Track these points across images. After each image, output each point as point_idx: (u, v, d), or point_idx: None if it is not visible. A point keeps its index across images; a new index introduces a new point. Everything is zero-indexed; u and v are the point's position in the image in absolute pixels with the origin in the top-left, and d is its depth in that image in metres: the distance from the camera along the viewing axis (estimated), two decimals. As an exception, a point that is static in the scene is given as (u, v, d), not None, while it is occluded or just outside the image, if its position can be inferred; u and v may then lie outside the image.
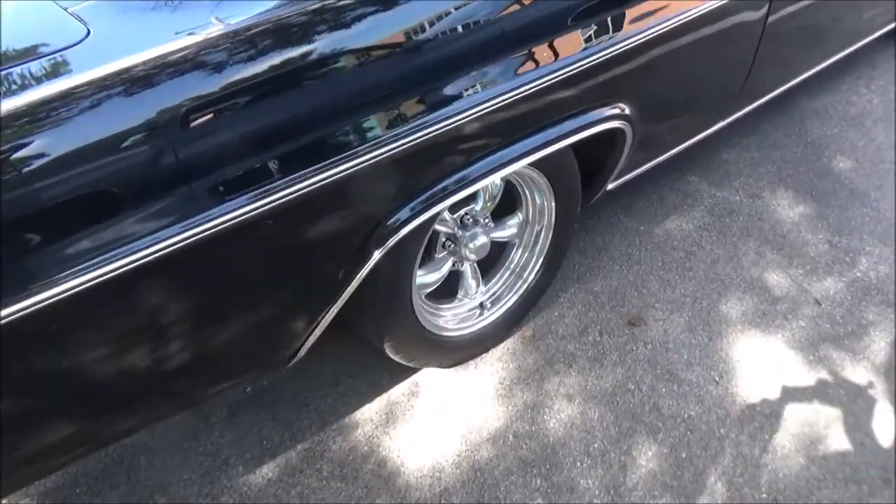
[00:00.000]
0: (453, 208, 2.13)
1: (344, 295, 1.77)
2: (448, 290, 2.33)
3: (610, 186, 2.45)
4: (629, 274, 2.67)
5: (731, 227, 2.86)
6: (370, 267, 1.76)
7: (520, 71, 1.81)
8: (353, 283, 1.76)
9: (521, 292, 2.38)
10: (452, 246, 2.19)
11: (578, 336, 2.46)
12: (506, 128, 1.86)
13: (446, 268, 2.22)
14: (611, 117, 2.09)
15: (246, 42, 1.33)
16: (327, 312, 1.78)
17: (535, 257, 2.37)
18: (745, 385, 2.30)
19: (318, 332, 1.82)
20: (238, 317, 1.63)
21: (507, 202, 2.33)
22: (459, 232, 2.17)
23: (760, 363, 2.36)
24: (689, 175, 3.10)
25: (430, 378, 2.35)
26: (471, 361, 2.39)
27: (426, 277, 2.20)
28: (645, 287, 2.62)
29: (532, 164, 2.04)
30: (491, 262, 2.38)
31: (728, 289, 2.61)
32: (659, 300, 2.58)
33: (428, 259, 2.21)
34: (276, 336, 1.80)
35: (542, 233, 2.34)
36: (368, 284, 1.84)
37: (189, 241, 1.25)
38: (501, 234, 2.32)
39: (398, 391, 2.32)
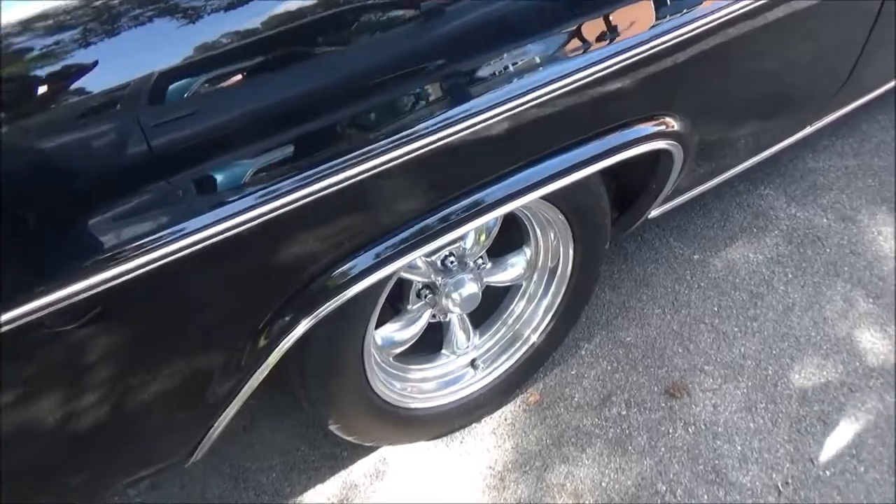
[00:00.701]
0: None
1: (252, 380, 1.27)
2: (432, 339, 1.80)
3: (653, 214, 1.86)
4: (674, 321, 2.08)
5: (814, 261, 2.22)
6: (292, 341, 1.25)
7: (525, 72, 1.25)
8: (264, 366, 1.26)
9: (522, 353, 1.83)
10: (430, 296, 1.65)
11: (598, 407, 1.90)
12: (509, 149, 1.31)
13: (423, 321, 1.69)
14: (653, 136, 1.49)
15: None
16: (230, 404, 1.29)
17: (542, 311, 1.81)
18: (821, 498, 1.71)
19: (221, 425, 1.33)
20: (113, 402, 1.16)
21: (512, 233, 1.76)
22: (440, 279, 1.62)
23: (843, 464, 1.76)
24: (763, 187, 2.45)
25: (402, 454, 1.84)
26: (457, 433, 1.87)
27: (395, 334, 1.67)
28: (693, 341, 2.03)
29: (544, 198, 1.48)
30: (489, 302, 1.84)
31: (804, 350, 2.00)
32: (710, 361, 1.98)
33: (397, 309, 1.69)
34: (164, 430, 1.32)
35: (555, 280, 1.78)
36: (293, 355, 1.34)
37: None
38: (499, 278, 1.77)
39: (360, 470, 1.83)
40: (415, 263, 1.55)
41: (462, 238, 1.61)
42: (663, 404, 1.90)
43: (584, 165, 1.42)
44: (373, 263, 1.27)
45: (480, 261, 1.69)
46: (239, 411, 1.32)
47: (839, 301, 2.11)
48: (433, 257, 1.60)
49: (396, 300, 1.68)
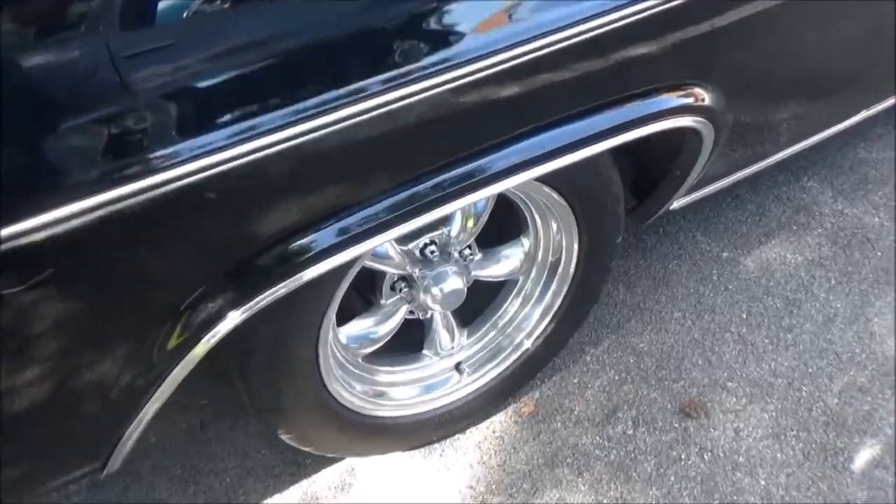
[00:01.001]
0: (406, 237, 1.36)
1: (168, 381, 1.05)
2: (412, 338, 1.57)
3: (676, 205, 1.59)
4: (695, 328, 1.82)
5: (862, 266, 1.94)
6: (219, 336, 1.03)
7: (526, 17, 1.02)
8: (182, 364, 1.04)
9: (515, 358, 1.59)
10: (406, 289, 1.41)
11: (601, 423, 1.66)
12: (502, 113, 1.08)
13: (398, 317, 1.46)
14: (679, 110, 1.23)
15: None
16: (142, 407, 1.07)
17: (539, 313, 1.56)
18: (857, 547, 1.45)
19: (136, 431, 1.12)
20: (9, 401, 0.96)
21: (508, 220, 1.52)
22: (417, 271, 1.39)
23: (884, 507, 1.50)
24: (807, 179, 2.16)
25: (373, 465, 1.62)
26: (437, 444, 1.64)
27: (365, 331, 1.44)
28: (716, 352, 1.77)
29: (543, 179, 1.24)
30: (480, 298, 1.60)
31: (846, 370, 1.72)
32: (734, 377, 1.72)
33: (369, 301, 1.46)
34: (67, 435, 1.11)
35: (556, 277, 1.53)
36: (231, 351, 1.14)
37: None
38: (490, 272, 1.52)
39: (324, 480, 1.61)
40: (384, 252, 1.31)
41: (445, 223, 1.37)
42: (677, 424, 1.65)
43: (592, 141, 1.17)
44: (333, 244, 1.04)
45: (468, 251, 1.45)
46: (191, 408, 1.11)
47: (889, 314, 1.83)
48: (410, 245, 1.36)
49: (368, 291, 1.45)
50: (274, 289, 1.03)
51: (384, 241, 1.10)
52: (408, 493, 1.57)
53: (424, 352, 1.57)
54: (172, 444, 1.71)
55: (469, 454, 1.63)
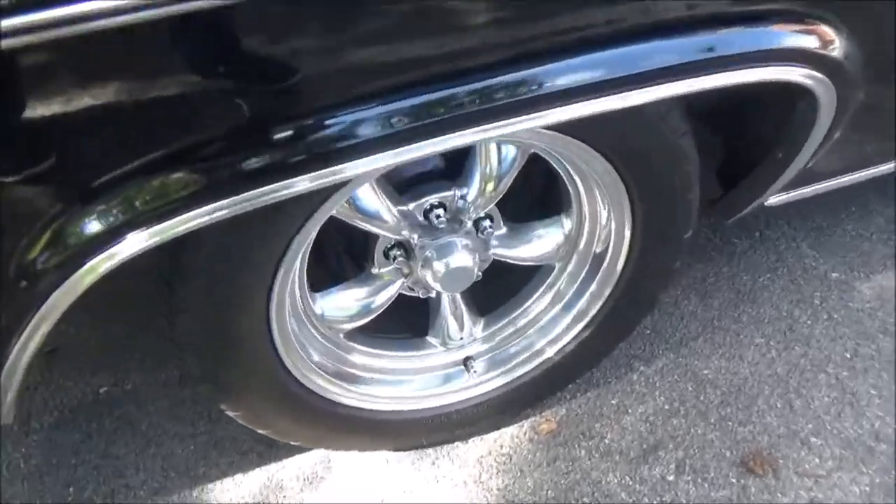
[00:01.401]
0: (406, 190, 1.09)
1: (34, 324, 0.83)
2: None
3: (773, 200, 1.22)
4: (780, 361, 1.45)
5: None
6: (115, 262, 0.80)
7: None
8: (51, 304, 0.81)
9: (535, 365, 1.28)
10: (402, 259, 1.13)
11: (636, 460, 1.33)
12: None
13: (391, 291, 1.19)
14: (791, 55, 0.87)
15: None
16: (12, 352, 0.86)
17: (569, 318, 1.24)
18: None
19: (13, 382, 0.91)
20: None
21: (551, 195, 1.21)
22: (416, 237, 1.10)
23: None
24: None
25: (353, 460, 1.36)
26: (439, 451, 1.37)
27: (351, 302, 1.18)
28: (802, 395, 1.40)
29: (578, 135, 0.93)
30: (505, 283, 1.30)
31: (977, 447, 1.30)
32: (821, 431, 1.35)
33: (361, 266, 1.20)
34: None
35: (599, 275, 1.20)
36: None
37: None
38: (517, 252, 1.22)
39: (295, 467, 1.38)
40: (373, 209, 1.04)
41: (459, 181, 1.08)
42: (734, 480, 1.29)
43: (656, 78, 0.84)
44: (277, 161, 0.78)
45: (487, 223, 1.14)
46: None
47: None
48: (411, 205, 1.08)
49: (361, 255, 1.18)
50: (194, 213, 0.78)
51: (360, 173, 0.83)
52: (385, 501, 1.31)
53: (429, 338, 1.29)
54: (146, 397, 1.53)
55: (466, 469, 1.34)
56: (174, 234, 0.78)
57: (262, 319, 0.99)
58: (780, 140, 1.05)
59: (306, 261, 1.07)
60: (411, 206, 1.08)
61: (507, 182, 1.08)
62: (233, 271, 0.91)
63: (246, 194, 0.77)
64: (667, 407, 1.40)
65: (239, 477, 1.38)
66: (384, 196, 1.04)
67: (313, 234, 0.99)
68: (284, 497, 1.34)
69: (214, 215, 0.77)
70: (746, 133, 1.12)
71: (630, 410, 1.39)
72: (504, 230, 1.18)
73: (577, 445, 1.35)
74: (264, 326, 1.00)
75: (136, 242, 0.77)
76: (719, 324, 1.52)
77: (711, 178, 1.21)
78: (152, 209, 0.76)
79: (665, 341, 1.49)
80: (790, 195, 1.22)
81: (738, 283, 1.59)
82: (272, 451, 1.40)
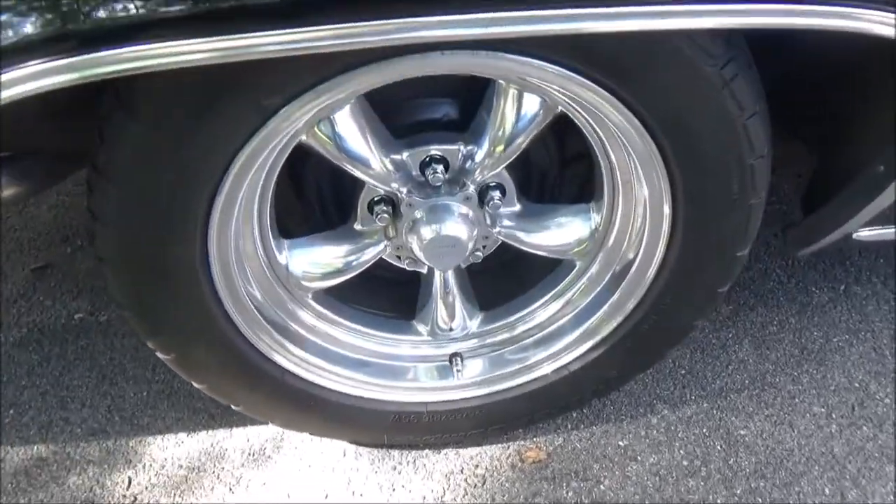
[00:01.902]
0: (404, 135, 0.91)
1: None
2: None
3: (863, 234, 0.97)
4: (839, 440, 1.18)
5: None
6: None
7: None
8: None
9: (526, 382, 1.07)
10: (387, 216, 0.95)
11: (634, 521, 1.09)
12: None
13: (370, 254, 1.00)
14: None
15: None
16: None
17: (580, 333, 1.02)
18: None
19: None
20: None
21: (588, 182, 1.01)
22: (404, 192, 0.92)
23: None
24: None
25: (307, 445, 1.19)
26: (397, 452, 1.17)
27: (324, 256, 1.01)
28: (860, 486, 1.12)
29: (609, 84, 0.72)
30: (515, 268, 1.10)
31: None
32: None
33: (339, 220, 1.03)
34: None
35: (622, 285, 0.98)
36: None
37: None
38: (530, 238, 1.01)
39: (243, 439, 1.23)
40: (360, 153, 0.86)
41: (466, 135, 0.89)
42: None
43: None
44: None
45: (497, 194, 0.94)
46: None
47: None
48: (405, 154, 0.90)
49: (346, 206, 1.01)
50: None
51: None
52: (328, 496, 1.13)
53: (416, 323, 1.10)
54: (116, 332, 1.41)
55: (432, 482, 1.14)
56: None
57: (194, 248, 0.83)
58: (883, 148, 0.81)
59: (269, 197, 0.91)
60: (406, 154, 0.90)
61: (523, 143, 0.88)
62: (155, 179, 0.75)
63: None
64: (685, 463, 1.15)
65: (182, 436, 1.23)
66: (371, 135, 0.87)
67: (273, 162, 0.83)
68: (223, 468, 1.18)
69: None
70: (842, 137, 0.88)
71: (639, 458, 1.15)
72: (518, 208, 0.98)
73: (564, 485, 1.12)
74: (197, 257, 0.84)
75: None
76: (773, 380, 1.25)
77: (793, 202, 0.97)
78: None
79: (701, 387, 1.24)
80: (885, 231, 0.96)
81: (805, 339, 1.32)
82: (225, 416, 1.25)
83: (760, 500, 1.11)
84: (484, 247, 1.00)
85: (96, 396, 1.31)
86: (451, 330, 1.08)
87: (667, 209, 0.88)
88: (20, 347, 1.39)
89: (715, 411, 1.21)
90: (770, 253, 1.44)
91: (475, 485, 1.13)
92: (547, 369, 1.04)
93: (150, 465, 1.19)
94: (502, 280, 1.09)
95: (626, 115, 0.75)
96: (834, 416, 1.20)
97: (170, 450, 1.21)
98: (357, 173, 0.91)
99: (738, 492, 1.12)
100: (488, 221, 0.96)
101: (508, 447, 1.17)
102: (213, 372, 1.00)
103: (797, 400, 1.23)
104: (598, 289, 1.01)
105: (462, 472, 1.15)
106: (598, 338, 1.01)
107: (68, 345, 1.39)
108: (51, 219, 1.68)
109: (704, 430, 1.19)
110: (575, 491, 1.12)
